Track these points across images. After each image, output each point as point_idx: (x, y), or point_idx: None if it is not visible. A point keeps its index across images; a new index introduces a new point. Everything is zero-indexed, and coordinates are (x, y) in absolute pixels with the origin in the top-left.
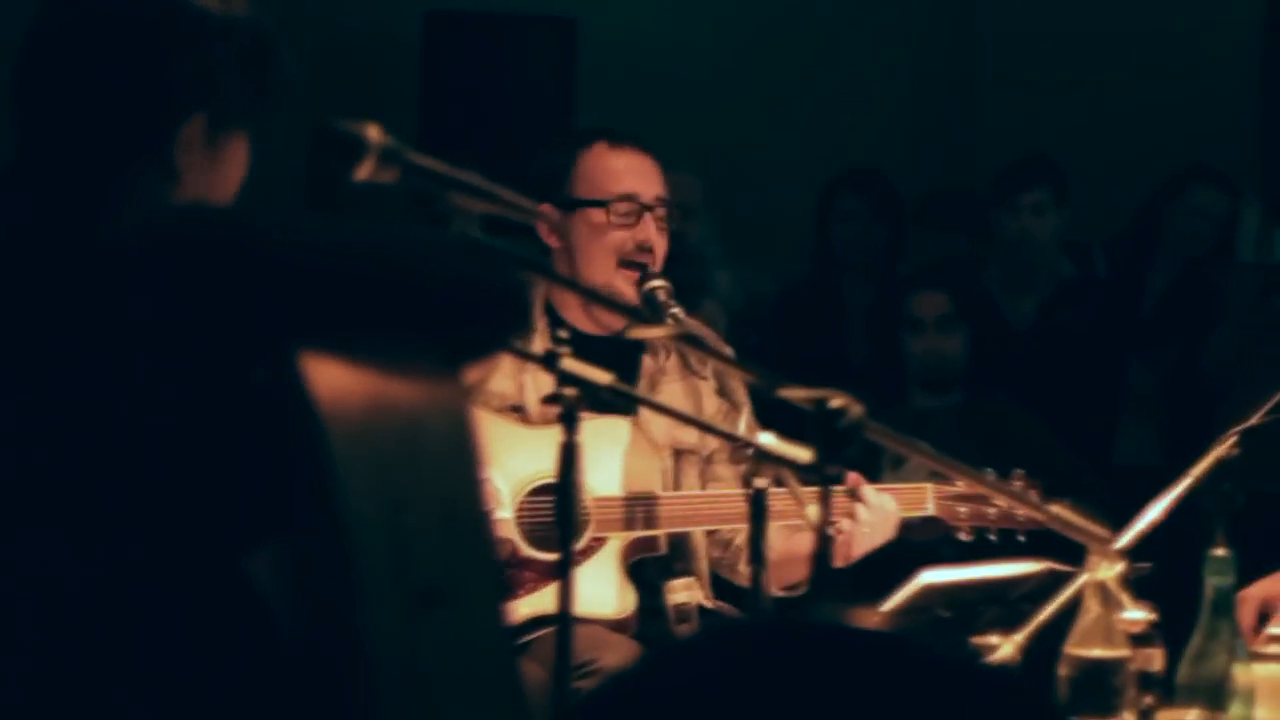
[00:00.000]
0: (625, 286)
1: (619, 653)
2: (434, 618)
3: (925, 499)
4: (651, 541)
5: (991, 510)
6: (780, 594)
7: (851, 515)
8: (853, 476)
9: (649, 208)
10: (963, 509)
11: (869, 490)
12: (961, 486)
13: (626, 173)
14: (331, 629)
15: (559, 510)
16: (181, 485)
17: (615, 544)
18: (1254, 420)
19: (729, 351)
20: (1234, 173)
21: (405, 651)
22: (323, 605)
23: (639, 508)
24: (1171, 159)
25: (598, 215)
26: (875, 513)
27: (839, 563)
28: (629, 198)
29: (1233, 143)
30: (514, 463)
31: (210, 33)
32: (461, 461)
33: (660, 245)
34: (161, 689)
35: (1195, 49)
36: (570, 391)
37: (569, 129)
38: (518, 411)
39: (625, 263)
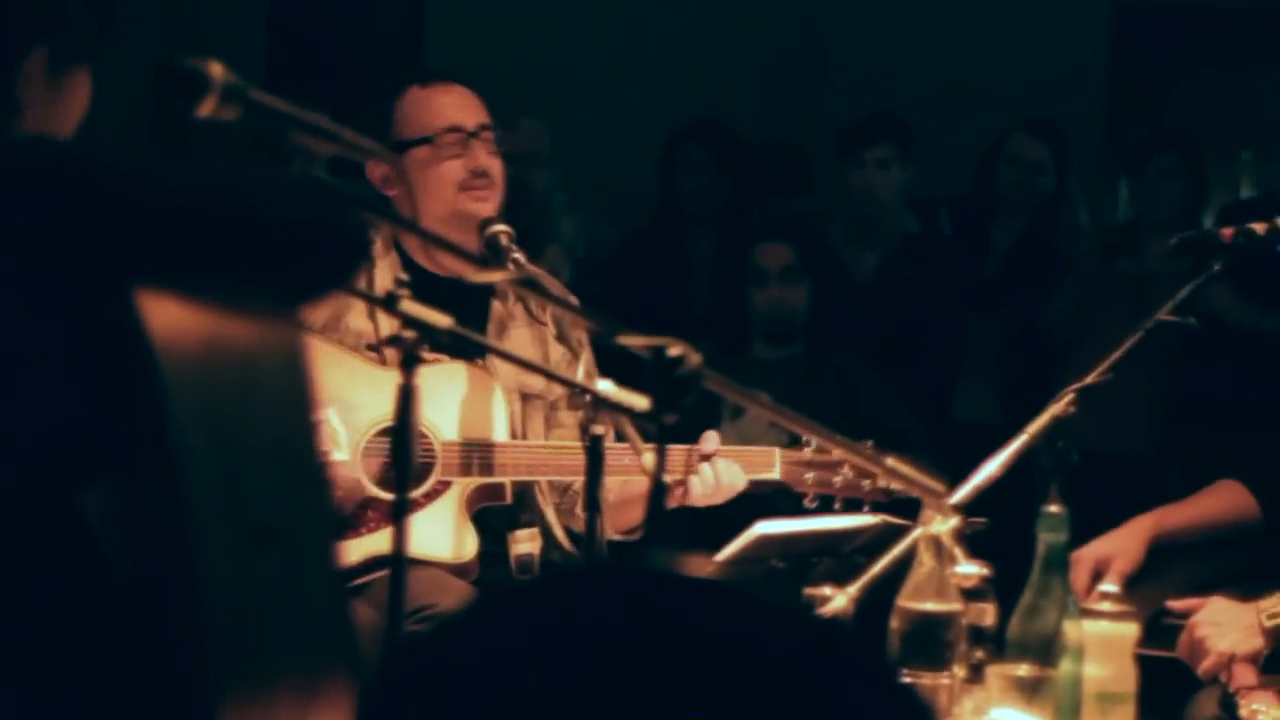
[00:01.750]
0: (473, 205)
1: (457, 597)
2: (266, 558)
3: (772, 462)
4: (497, 490)
5: (837, 479)
6: (618, 537)
7: (695, 473)
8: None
9: (474, 134)
10: (809, 475)
11: (721, 461)
12: (809, 453)
13: (445, 107)
14: (164, 568)
15: (395, 453)
16: (12, 419)
17: (458, 489)
18: (1091, 379)
19: (571, 298)
20: (1083, 127)
21: (237, 591)
22: (155, 543)
23: (484, 454)
24: (1023, 118)
25: (425, 153)
26: (721, 483)
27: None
28: (453, 129)
29: (1082, 99)
30: (365, 402)
31: None
32: (296, 402)
33: (494, 167)
34: None
35: (1047, 5)
36: (409, 334)
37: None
38: (373, 351)
39: (465, 186)
